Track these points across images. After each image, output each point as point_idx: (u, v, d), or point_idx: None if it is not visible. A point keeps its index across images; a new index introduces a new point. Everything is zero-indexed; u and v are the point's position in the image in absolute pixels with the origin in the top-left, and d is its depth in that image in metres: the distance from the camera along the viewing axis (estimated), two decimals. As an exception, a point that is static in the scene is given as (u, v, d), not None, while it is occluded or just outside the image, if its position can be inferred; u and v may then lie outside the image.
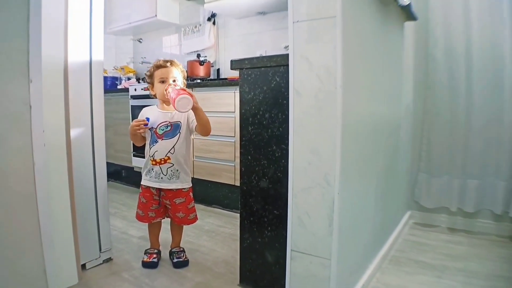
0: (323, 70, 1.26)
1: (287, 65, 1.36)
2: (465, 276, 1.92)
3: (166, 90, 1.78)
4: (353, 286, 1.59)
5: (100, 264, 1.98)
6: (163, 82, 1.86)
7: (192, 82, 3.44)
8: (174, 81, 1.87)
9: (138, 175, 3.60)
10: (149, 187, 1.90)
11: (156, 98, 1.94)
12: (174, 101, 1.64)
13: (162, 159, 1.85)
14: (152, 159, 1.86)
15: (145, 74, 1.99)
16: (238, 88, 1.65)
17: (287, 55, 1.36)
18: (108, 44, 4.65)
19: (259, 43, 3.65)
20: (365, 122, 1.59)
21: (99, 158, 1.93)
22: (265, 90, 1.40)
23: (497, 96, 2.35)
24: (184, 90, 1.71)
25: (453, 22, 2.40)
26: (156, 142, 1.85)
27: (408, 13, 2.13)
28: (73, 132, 1.72)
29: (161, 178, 1.86)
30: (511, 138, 2.34)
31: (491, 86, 2.36)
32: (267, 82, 1.50)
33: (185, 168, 1.90)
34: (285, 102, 1.38)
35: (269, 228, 1.55)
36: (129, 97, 3.70)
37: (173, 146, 1.84)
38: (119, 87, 4.37)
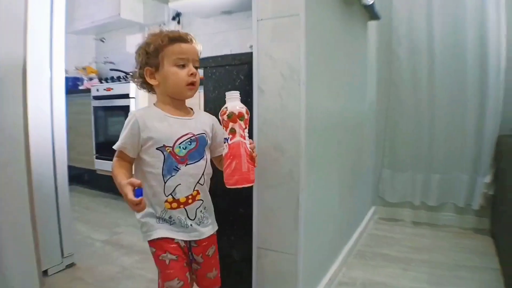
0: (286, 68, 1.28)
1: (252, 63, 1.37)
2: (430, 267, 1.99)
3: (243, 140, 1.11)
4: (320, 281, 1.62)
5: (63, 269, 1.94)
6: (182, 66, 1.14)
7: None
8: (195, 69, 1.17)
9: (102, 178, 3.59)
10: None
11: (155, 92, 1.21)
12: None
13: (189, 197, 1.14)
14: (172, 199, 1.12)
15: (142, 49, 1.15)
16: (202, 87, 1.65)
17: (251, 53, 1.37)
18: (70, 43, 4.53)
19: (225, 43, 3.65)
20: (329, 118, 1.63)
21: (60, 160, 1.89)
22: (229, 89, 1.41)
23: (460, 93, 2.46)
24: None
25: (416, 21, 2.49)
26: (177, 170, 1.12)
27: (371, 13, 2.18)
28: (32, 133, 1.67)
29: (189, 225, 1.16)
30: (473, 134, 2.45)
31: (454, 83, 2.46)
32: (231, 80, 1.51)
33: (210, 200, 1.25)
34: (249, 100, 1.39)
35: (235, 227, 1.56)
36: (91, 98, 3.63)
37: (203, 173, 1.17)
38: (81, 87, 4.27)
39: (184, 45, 1.15)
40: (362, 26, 2.23)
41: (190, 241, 1.18)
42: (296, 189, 1.30)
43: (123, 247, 2.27)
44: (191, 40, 1.18)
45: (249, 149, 1.12)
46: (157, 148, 1.10)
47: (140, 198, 0.98)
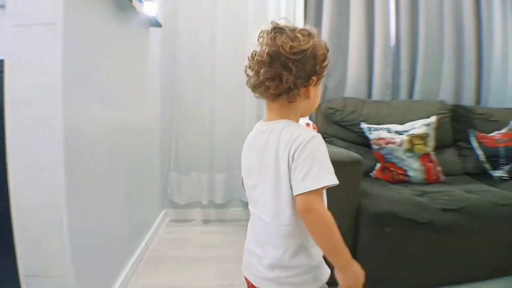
0: (43, 77, 1.14)
1: (3, 72, 1.17)
2: (218, 263, 2.07)
3: None
4: (105, 298, 1.49)
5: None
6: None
7: None
8: None
9: None
10: None
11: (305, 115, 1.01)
12: None
13: None
14: None
15: (311, 53, 0.87)
16: None
17: (3, 61, 1.17)
18: None
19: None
20: (99, 129, 1.50)
21: None
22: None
23: (239, 98, 2.64)
24: None
25: (200, 30, 2.56)
26: None
27: (151, 20, 2.14)
28: None
29: None
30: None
31: (234, 90, 2.62)
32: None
33: None
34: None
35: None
36: None
37: None
38: None
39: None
40: (143, 33, 2.14)
41: None
42: (59, 208, 1.17)
43: None
44: None
45: None
46: None
47: None
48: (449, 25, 2.96)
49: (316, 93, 0.95)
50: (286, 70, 0.85)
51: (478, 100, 3.15)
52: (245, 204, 2.73)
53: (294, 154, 0.83)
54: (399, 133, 2.32)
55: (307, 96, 0.92)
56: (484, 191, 2.06)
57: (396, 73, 2.92)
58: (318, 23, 2.75)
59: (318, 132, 1.05)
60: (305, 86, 0.90)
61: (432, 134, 2.36)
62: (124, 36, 1.79)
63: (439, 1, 2.94)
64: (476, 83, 3.10)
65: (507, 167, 2.42)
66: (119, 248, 1.76)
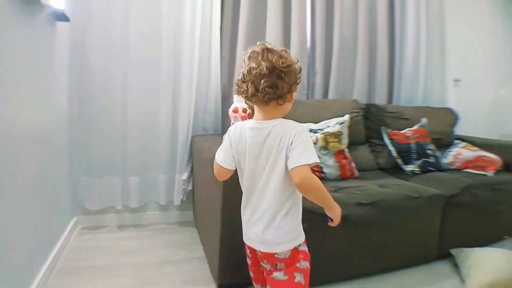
0: None
1: None
2: (136, 270, 2.00)
3: None
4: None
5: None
6: None
7: None
8: None
9: None
10: None
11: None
12: None
13: None
14: None
15: (296, 69, 1.23)
16: None
17: None
18: None
19: None
20: None
21: None
22: None
23: (154, 98, 2.57)
24: None
25: (112, 26, 2.42)
26: None
27: (58, 14, 2.02)
28: None
29: None
30: (168, 136, 2.59)
31: (148, 88, 2.55)
32: None
33: None
34: None
35: None
36: None
37: None
38: None
39: None
40: (48, 27, 1.99)
41: None
42: None
43: None
44: None
45: None
46: None
47: None
48: (363, 27, 3.11)
49: (293, 98, 1.29)
50: (280, 79, 1.16)
51: (390, 99, 3.34)
52: (163, 207, 2.69)
53: (292, 140, 1.16)
54: (314, 131, 2.39)
55: (290, 100, 1.25)
56: (397, 185, 2.17)
57: (311, 73, 3.00)
58: (234, 23, 2.75)
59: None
60: (290, 92, 1.22)
61: (346, 132, 2.45)
62: (25, 31, 1.65)
63: (353, 3, 3.07)
64: (388, 83, 3.28)
65: (418, 162, 2.57)
66: (25, 261, 1.61)
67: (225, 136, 1.36)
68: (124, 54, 2.45)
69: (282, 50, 1.20)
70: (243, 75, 1.20)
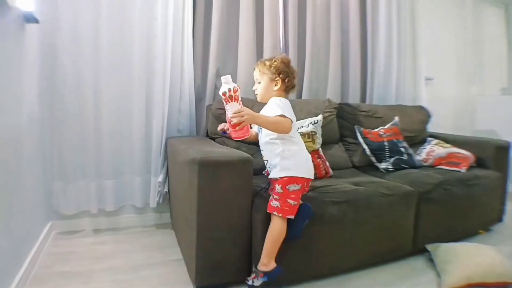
0: None
1: None
2: (112, 274, 1.99)
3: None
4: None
5: None
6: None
7: None
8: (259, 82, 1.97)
9: None
10: None
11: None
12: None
13: None
14: None
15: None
16: None
17: None
18: None
19: None
20: None
21: None
22: None
23: (127, 101, 2.55)
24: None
25: (82, 28, 2.39)
26: None
27: (27, 15, 1.99)
28: None
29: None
30: (142, 138, 2.59)
31: (121, 91, 2.53)
32: None
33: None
34: None
35: None
36: None
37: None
38: None
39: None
40: (16, 29, 1.96)
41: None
42: None
43: None
44: (256, 67, 1.98)
45: (230, 117, 1.68)
46: None
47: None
48: (335, 27, 3.16)
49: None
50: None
51: (363, 98, 3.40)
52: (139, 210, 2.69)
53: None
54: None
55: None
56: (371, 183, 2.22)
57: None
58: (207, 24, 2.76)
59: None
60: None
61: (319, 131, 2.49)
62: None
63: (326, 3, 3.11)
64: (361, 83, 3.35)
65: (392, 159, 2.63)
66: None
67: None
68: (95, 56, 2.43)
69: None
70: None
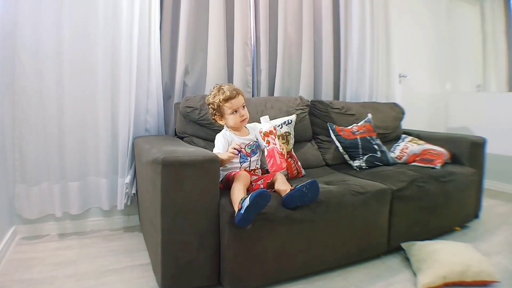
0: None
1: None
2: (76, 281, 1.93)
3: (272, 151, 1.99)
4: None
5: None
6: (236, 112, 2.08)
7: None
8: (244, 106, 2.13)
9: None
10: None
11: (223, 127, 2.20)
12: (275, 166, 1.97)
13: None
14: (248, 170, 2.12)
15: (210, 108, 2.15)
16: None
17: None
18: None
19: None
20: None
21: None
22: None
23: (91, 101, 2.49)
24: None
25: (44, 25, 2.32)
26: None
27: None
28: None
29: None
30: (108, 138, 2.54)
31: (85, 90, 2.47)
32: None
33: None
34: None
35: None
36: None
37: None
38: None
39: (233, 101, 2.06)
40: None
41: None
42: None
43: None
44: (237, 94, 2.08)
45: (280, 150, 1.99)
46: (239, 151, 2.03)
47: None
48: (307, 23, 3.15)
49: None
50: None
51: (336, 96, 3.41)
52: (106, 213, 2.63)
53: None
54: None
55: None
56: (343, 181, 2.21)
57: (257, 71, 3.02)
58: (175, 21, 2.71)
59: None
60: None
61: (292, 131, 2.48)
62: None
63: (298, 0, 3.11)
64: (334, 80, 3.36)
65: (365, 157, 2.63)
66: None
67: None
68: (58, 55, 2.36)
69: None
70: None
